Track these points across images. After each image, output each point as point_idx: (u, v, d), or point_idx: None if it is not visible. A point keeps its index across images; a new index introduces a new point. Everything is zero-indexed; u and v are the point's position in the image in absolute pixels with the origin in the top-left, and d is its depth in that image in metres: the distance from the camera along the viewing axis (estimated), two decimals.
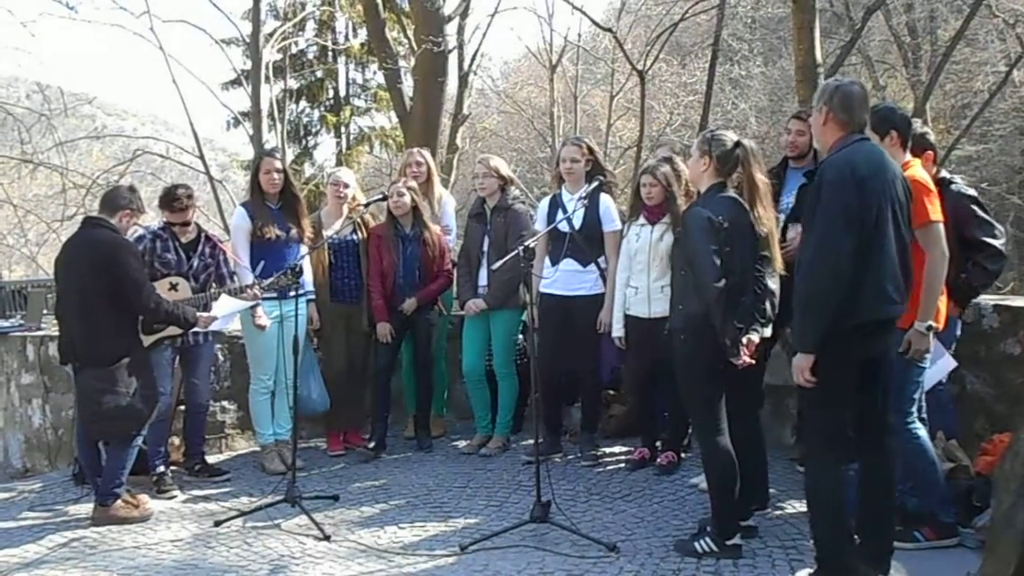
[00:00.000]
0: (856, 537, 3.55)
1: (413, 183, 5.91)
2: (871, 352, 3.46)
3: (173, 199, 5.26)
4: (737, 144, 3.96)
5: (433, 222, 5.92)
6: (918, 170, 3.90)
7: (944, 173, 4.36)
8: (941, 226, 3.81)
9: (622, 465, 5.37)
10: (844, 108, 3.48)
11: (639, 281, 5.05)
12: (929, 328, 3.76)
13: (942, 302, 3.91)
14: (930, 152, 4.30)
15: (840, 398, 3.42)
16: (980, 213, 4.27)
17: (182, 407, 5.55)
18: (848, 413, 3.45)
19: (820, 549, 3.48)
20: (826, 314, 3.32)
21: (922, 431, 3.91)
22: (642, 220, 5.07)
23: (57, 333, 6.11)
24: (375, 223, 5.99)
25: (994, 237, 4.27)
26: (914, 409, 3.90)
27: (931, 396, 4.16)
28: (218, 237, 5.81)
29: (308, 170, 22.03)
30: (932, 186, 3.89)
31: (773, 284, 3.98)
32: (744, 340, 3.80)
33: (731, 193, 3.97)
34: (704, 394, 3.95)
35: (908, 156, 3.95)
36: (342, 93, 23.96)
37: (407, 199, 5.77)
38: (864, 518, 3.56)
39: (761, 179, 3.99)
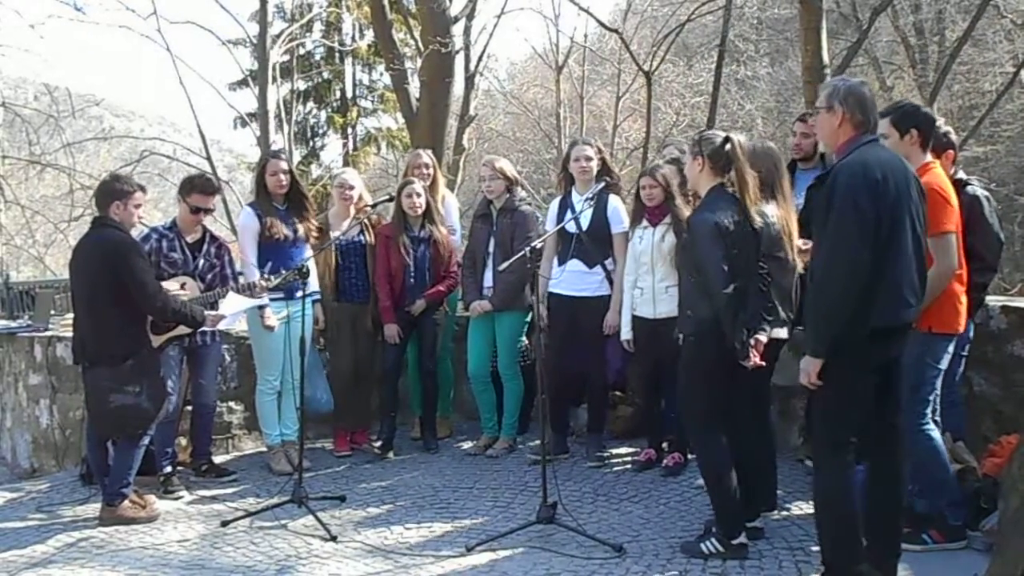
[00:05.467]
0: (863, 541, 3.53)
1: (423, 183, 5.92)
2: (887, 355, 3.43)
3: (206, 180, 5.40)
4: (726, 139, 3.94)
5: (439, 223, 5.93)
6: (937, 175, 3.82)
7: (961, 174, 4.31)
8: (954, 237, 3.75)
9: (628, 466, 5.37)
10: (861, 109, 3.42)
11: (644, 282, 5.06)
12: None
13: (963, 308, 3.87)
14: (951, 152, 4.22)
15: (854, 403, 3.37)
16: (989, 219, 4.18)
17: (189, 407, 5.56)
18: (856, 418, 3.40)
19: (827, 554, 3.44)
20: (839, 322, 3.27)
21: (935, 433, 3.87)
22: (645, 223, 5.09)
23: (64, 333, 6.16)
24: (382, 224, 6.00)
25: (992, 249, 4.19)
26: (928, 411, 3.86)
27: (944, 397, 4.14)
28: (223, 237, 5.82)
29: (315, 171, 22.08)
30: (951, 194, 3.80)
31: (787, 283, 3.96)
32: (752, 341, 3.79)
33: (731, 192, 3.96)
34: (706, 396, 3.93)
35: (928, 157, 3.88)
36: (349, 94, 24.03)
37: (424, 199, 5.79)
38: (871, 522, 3.53)
39: (750, 174, 3.96)
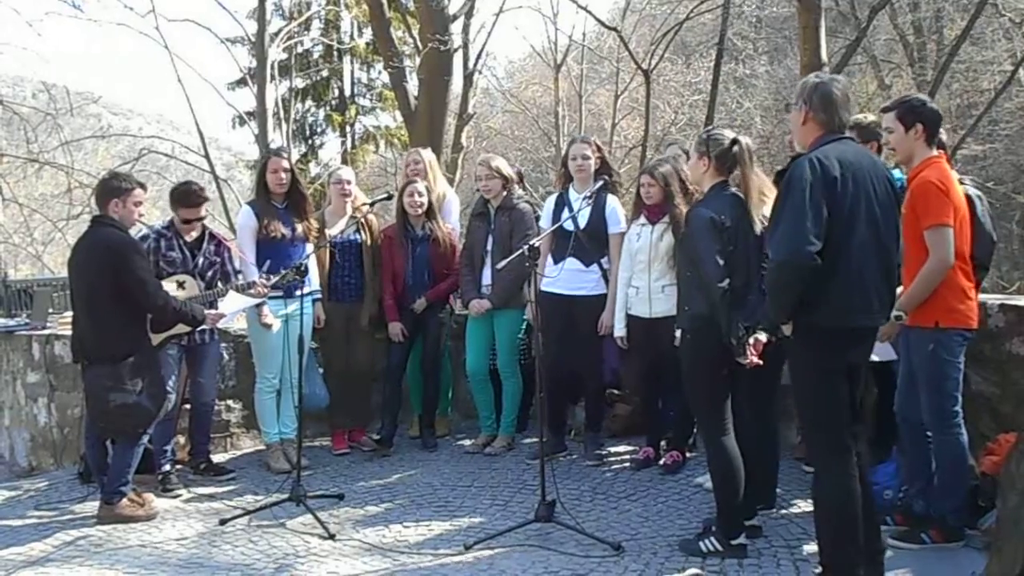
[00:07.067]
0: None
1: (424, 183, 5.90)
2: (852, 360, 3.41)
3: (191, 193, 5.28)
4: (734, 142, 3.94)
5: (442, 221, 5.93)
6: (938, 169, 3.79)
7: (954, 174, 4.30)
8: (949, 231, 3.69)
9: (627, 464, 5.37)
10: (824, 107, 3.39)
11: (640, 281, 5.05)
12: (898, 318, 3.70)
13: (973, 304, 3.84)
14: (942, 151, 4.22)
15: (835, 403, 3.36)
16: (981, 219, 4.11)
17: (187, 406, 5.56)
18: (843, 418, 3.38)
19: (825, 556, 3.43)
20: (788, 300, 3.27)
21: (963, 437, 3.82)
22: (643, 220, 5.08)
23: (63, 332, 6.15)
24: (379, 223, 5.99)
25: (984, 248, 4.13)
26: (958, 408, 3.80)
27: None
28: (223, 235, 5.81)
29: (314, 169, 22.05)
30: (951, 188, 3.77)
31: None
32: (751, 340, 3.78)
33: (733, 191, 3.96)
34: (709, 394, 3.94)
35: (934, 152, 3.86)
36: (347, 92, 24.00)
37: (425, 199, 5.78)
38: None
39: (754, 180, 3.95)
